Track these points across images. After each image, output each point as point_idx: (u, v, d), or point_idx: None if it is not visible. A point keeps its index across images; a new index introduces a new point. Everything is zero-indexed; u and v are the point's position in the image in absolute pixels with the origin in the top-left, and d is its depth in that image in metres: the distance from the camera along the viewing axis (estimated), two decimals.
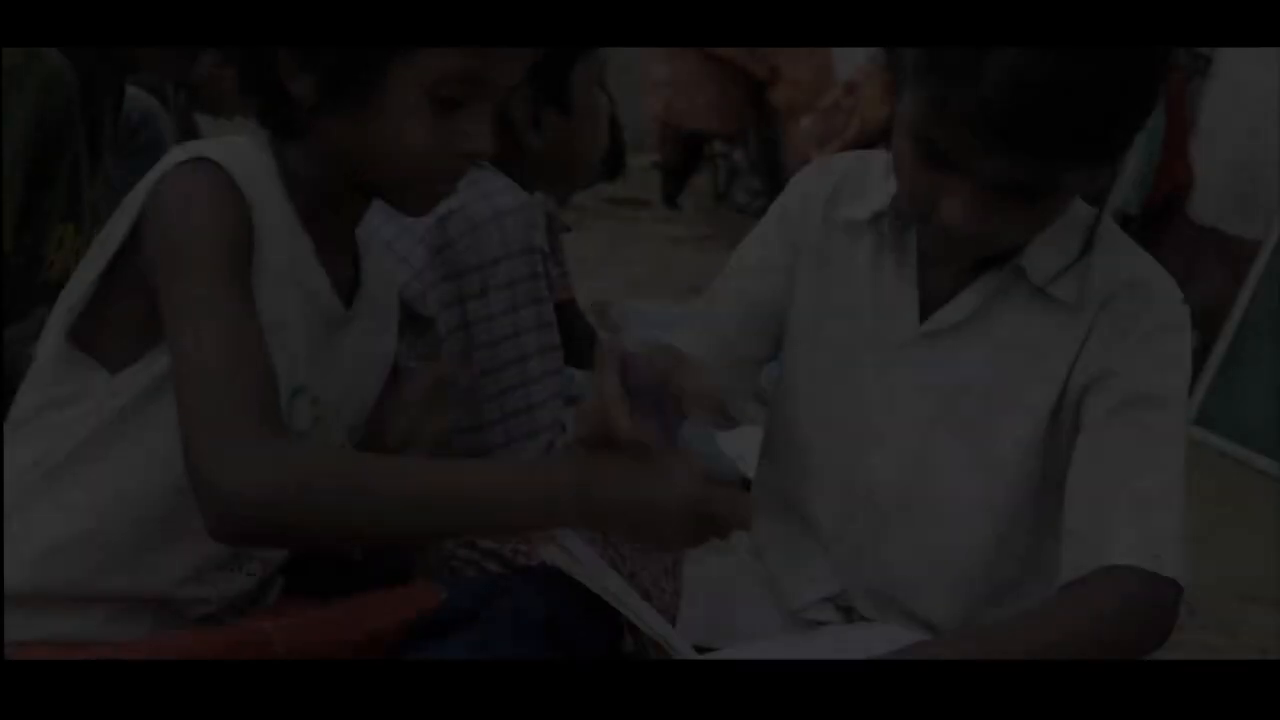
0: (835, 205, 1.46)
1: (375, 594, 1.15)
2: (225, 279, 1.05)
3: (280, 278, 1.13)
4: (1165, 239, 4.72)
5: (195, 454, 0.98)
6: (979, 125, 1.17)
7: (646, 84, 5.98)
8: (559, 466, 1.10)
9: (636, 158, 3.76)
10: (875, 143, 4.31)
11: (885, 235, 1.42)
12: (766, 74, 5.86)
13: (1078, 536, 1.31)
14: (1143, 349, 1.33)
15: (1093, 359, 1.35)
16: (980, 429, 1.40)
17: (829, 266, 1.46)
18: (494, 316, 1.50)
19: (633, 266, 5.04)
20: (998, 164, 1.20)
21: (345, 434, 1.24)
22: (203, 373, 1.00)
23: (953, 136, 1.20)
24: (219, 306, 1.03)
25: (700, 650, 1.27)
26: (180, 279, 1.04)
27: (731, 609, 1.50)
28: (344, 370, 1.23)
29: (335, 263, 1.21)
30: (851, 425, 1.46)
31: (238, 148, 1.14)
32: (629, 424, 1.02)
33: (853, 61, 5.35)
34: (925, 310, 1.41)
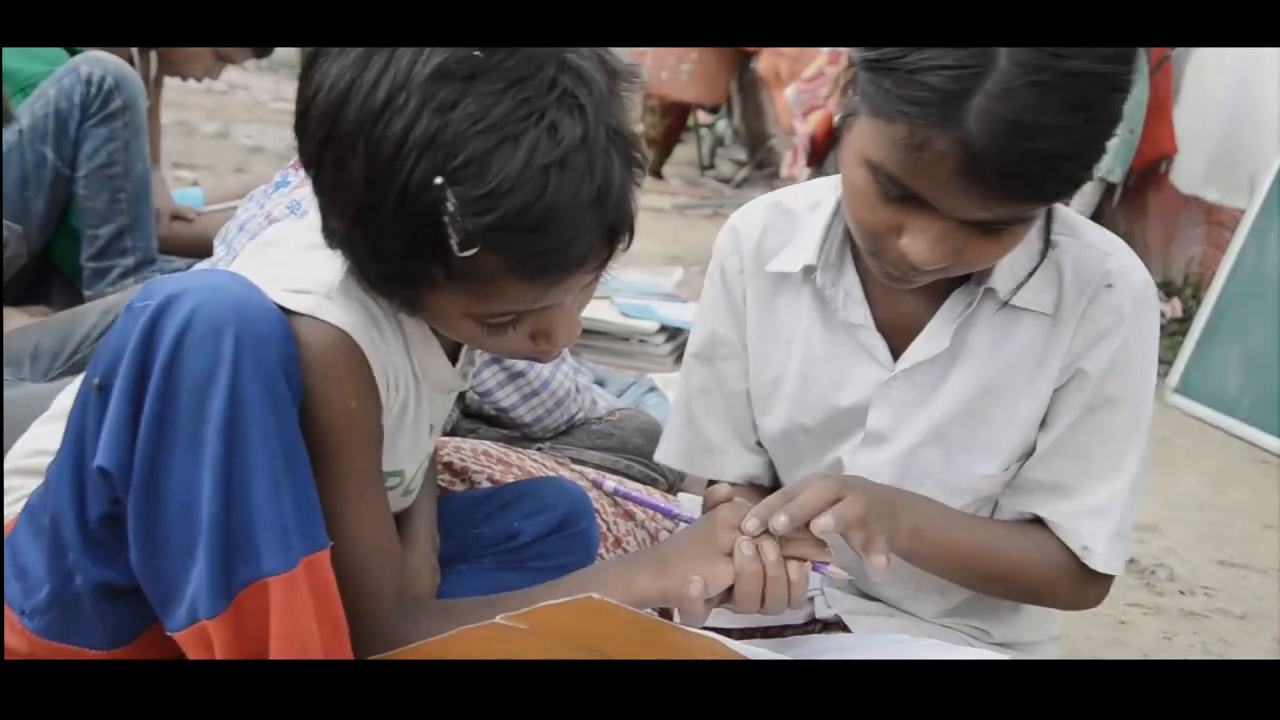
0: (761, 260, 1.43)
1: None
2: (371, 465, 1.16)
3: (414, 392, 1.21)
4: (1148, 207, 4.74)
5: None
6: (963, 168, 1.14)
7: (630, 56, 5.95)
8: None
9: None
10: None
11: (823, 287, 1.39)
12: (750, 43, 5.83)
13: (1019, 510, 1.42)
14: (1112, 349, 1.34)
15: (1071, 363, 1.36)
16: (965, 452, 1.40)
17: (779, 329, 1.44)
18: None
19: None
20: (972, 204, 1.17)
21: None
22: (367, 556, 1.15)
23: (927, 177, 1.17)
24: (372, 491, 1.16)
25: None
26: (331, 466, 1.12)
27: None
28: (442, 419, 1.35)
29: (446, 341, 1.25)
30: (831, 466, 1.47)
31: (354, 274, 1.12)
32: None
33: None
34: (895, 346, 1.39)
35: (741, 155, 6.94)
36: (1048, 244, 1.34)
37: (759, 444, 1.52)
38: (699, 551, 1.20)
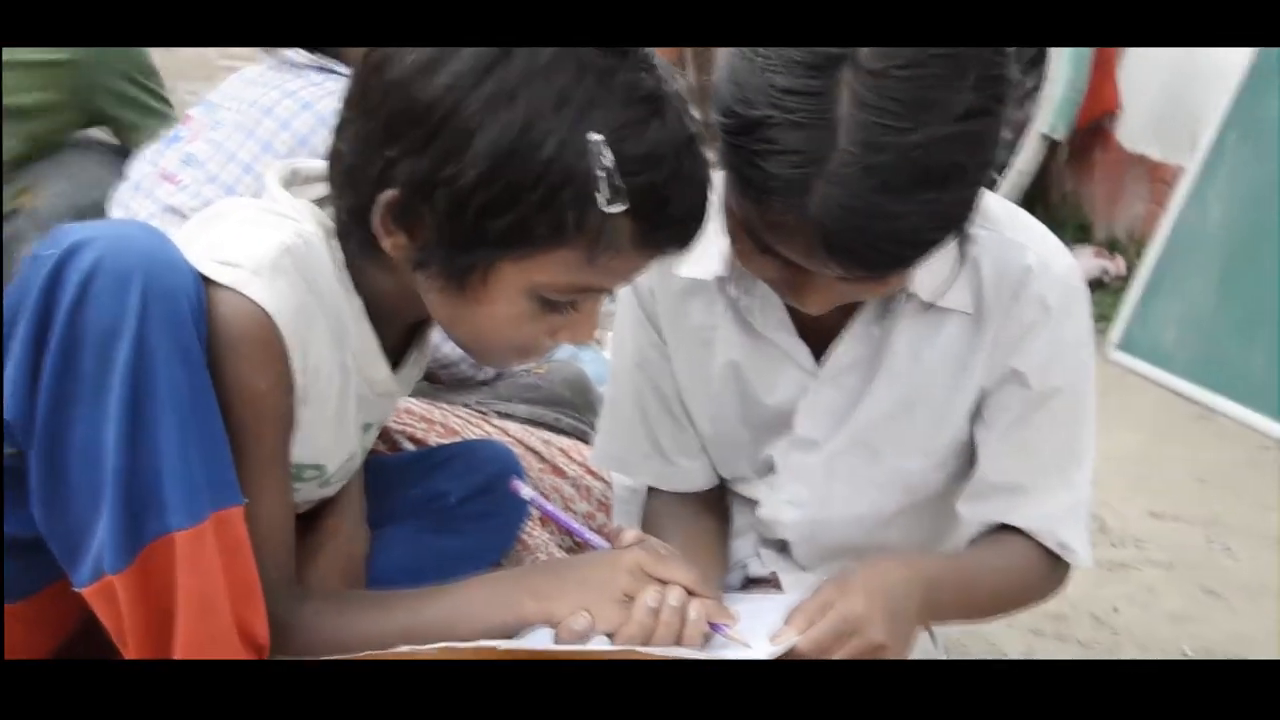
0: (667, 269, 1.37)
1: None
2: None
3: (340, 386, 1.19)
4: (1093, 165, 4.76)
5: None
6: (817, 248, 1.10)
7: None
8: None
9: None
10: None
11: (736, 298, 1.37)
12: None
13: (986, 520, 1.42)
14: (1043, 342, 1.32)
15: (1001, 360, 1.34)
16: (895, 453, 1.40)
17: (697, 332, 1.42)
18: None
19: None
20: (838, 271, 1.14)
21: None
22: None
23: (788, 248, 1.14)
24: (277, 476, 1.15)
25: None
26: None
27: None
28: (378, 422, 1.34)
29: (395, 340, 1.25)
30: (760, 470, 1.48)
31: (293, 255, 1.11)
32: None
33: None
34: (818, 348, 1.37)
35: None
36: (965, 240, 1.29)
37: (697, 449, 1.50)
38: (596, 589, 1.17)
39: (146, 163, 1.87)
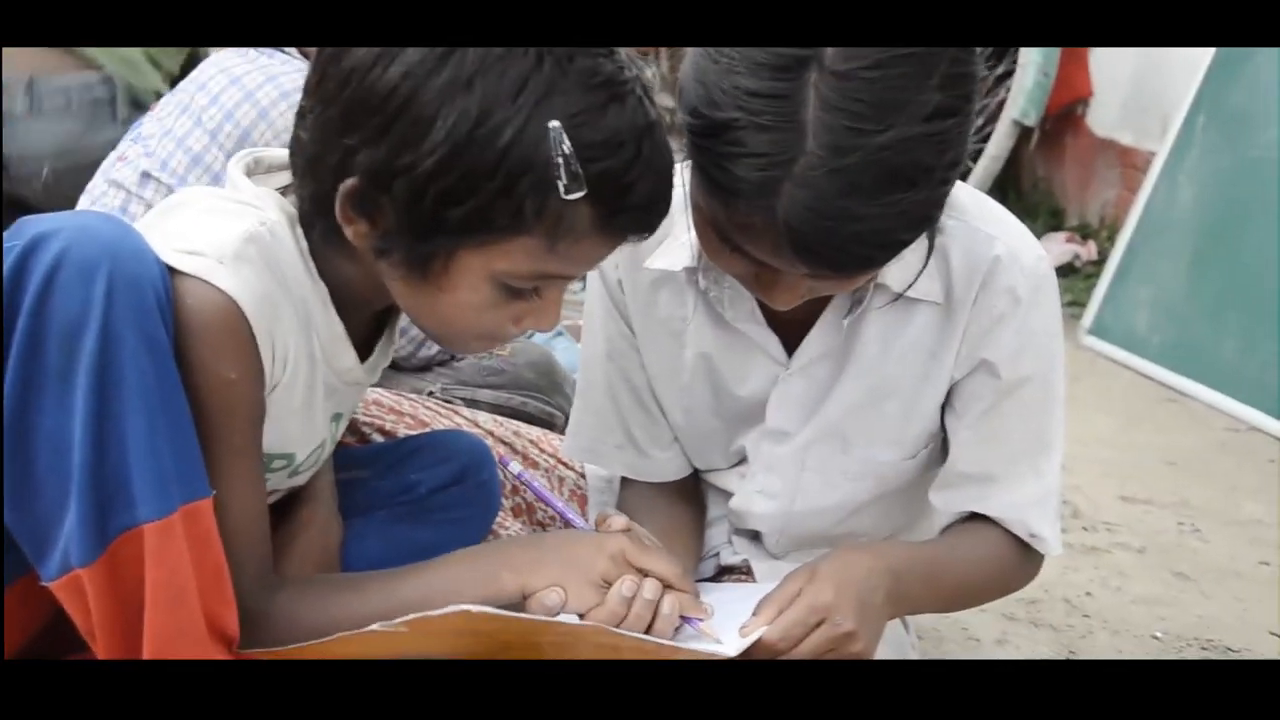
0: (637, 258, 1.37)
1: None
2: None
3: (307, 375, 1.18)
4: (1065, 151, 4.78)
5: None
6: (784, 248, 1.10)
7: None
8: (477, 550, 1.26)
9: None
10: None
11: (706, 289, 1.36)
12: None
13: (957, 509, 1.42)
14: (1012, 332, 1.32)
15: (971, 351, 1.34)
16: (866, 444, 1.40)
17: (666, 323, 1.41)
18: None
19: None
20: (806, 269, 1.14)
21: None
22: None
23: (756, 247, 1.13)
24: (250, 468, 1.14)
25: None
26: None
27: None
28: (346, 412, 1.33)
29: (362, 328, 1.24)
30: (732, 461, 1.48)
31: (258, 243, 1.10)
32: None
33: None
34: (789, 339, 1.37)
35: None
36: (934, 229, 1.28)
37: (670, 440, 1.50)
38: (575, 569, 1.17)
39: (115, 152, 1.92)
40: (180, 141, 1.78)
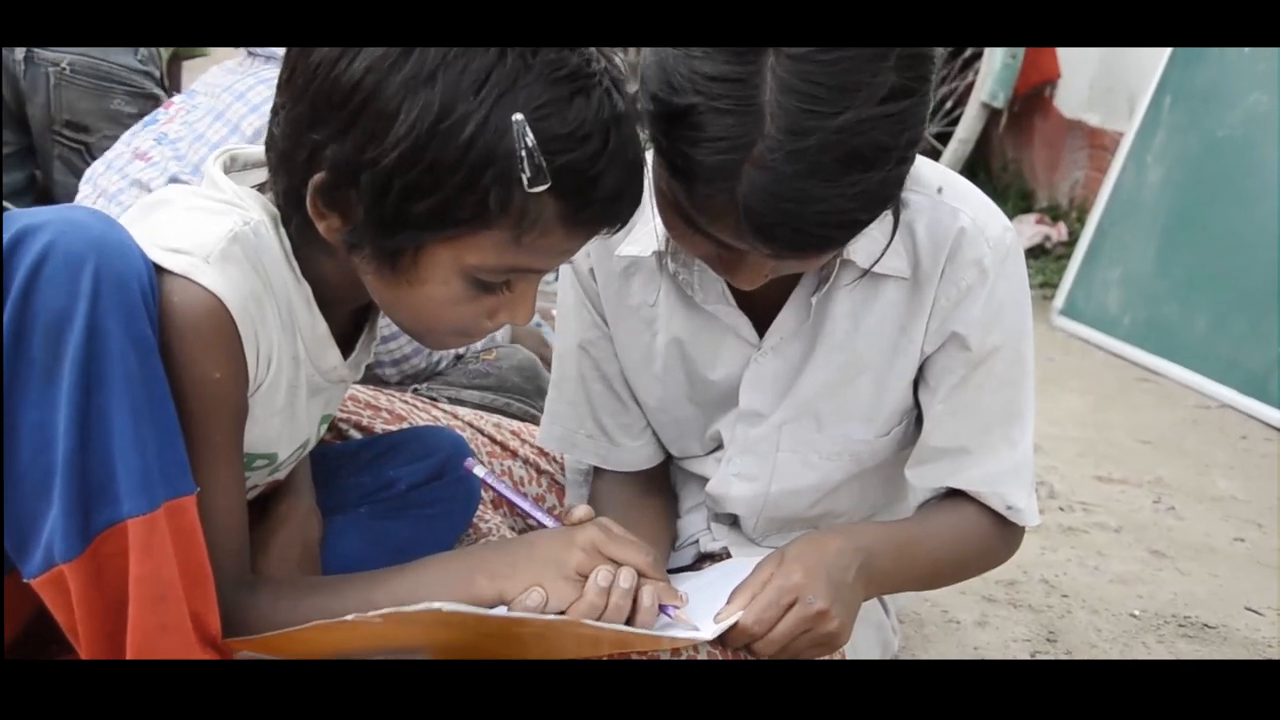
0: (608, 246, 1.37)
1: None
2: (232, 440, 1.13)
3: (290, 375, 1.17)
4: (1034, 132, 4.80)
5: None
6: (745, 230, 1.10)
7: None
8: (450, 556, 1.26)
9: None
10: None
11: (676, 272, 1.36)
12: None
13: (932, 484, 1.42)
14: (980, 304, 1.32)
15: (940, 324, 1.34)
16: (840, 421, 1.40)
17: (638, 310, 1.42)
18: None
19: None
20: (768, 251, 1.14)
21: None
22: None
23: (718, 228, 1.14)
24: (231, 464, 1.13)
25: None
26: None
27: None
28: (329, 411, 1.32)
29: (344, 325, 1.23)
30: (709, 446, 1.48)
31: (242, 242, 1.09)
32: None
33: None
34: (760, 320, 1.37)
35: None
36: (898, 205, 1.29)
37: (641, 429, 1.50)
38: (549, 566, 1.17)
39: (122, 143, 1.92)
40: (215, 147, 1.76)
